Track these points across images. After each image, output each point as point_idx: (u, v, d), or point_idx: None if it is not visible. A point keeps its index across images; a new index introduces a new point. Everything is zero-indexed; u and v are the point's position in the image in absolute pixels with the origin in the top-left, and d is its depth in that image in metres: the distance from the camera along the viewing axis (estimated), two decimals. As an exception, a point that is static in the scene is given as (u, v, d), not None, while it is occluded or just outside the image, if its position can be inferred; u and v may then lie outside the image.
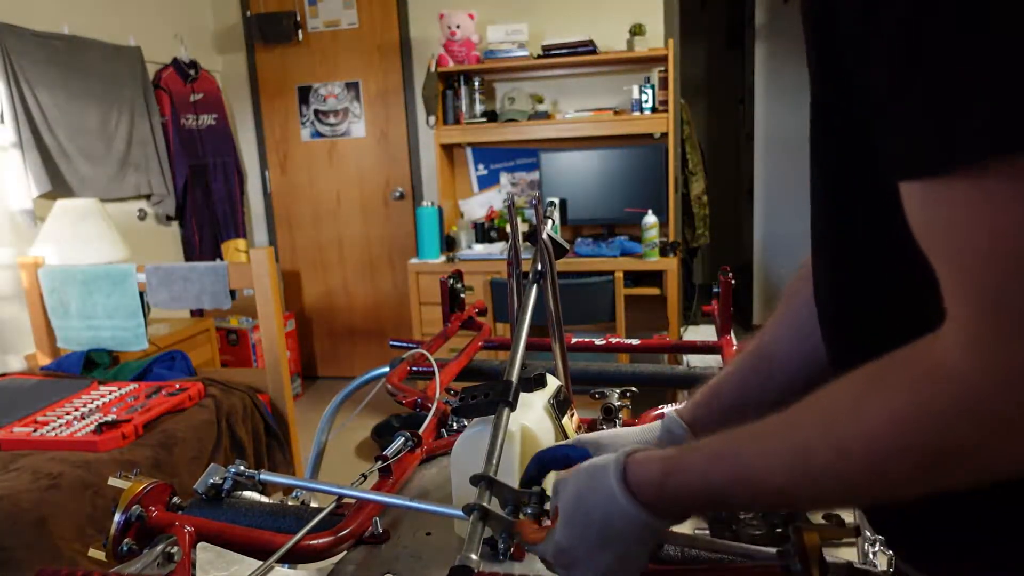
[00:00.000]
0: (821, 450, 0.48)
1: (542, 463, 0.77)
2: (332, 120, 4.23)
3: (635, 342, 1.69)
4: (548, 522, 0.68)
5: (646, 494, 0.58)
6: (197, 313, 3.53)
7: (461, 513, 0.69)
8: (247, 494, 0.98)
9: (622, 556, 0.61)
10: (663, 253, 3.46)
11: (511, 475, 0.81)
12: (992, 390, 0.41)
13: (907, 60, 0.41)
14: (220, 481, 0.95)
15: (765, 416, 0.53)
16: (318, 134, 4.26)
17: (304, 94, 4.23)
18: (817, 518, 2.78)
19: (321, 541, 0.81)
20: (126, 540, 0.81)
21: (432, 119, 3.80)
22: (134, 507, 0.82)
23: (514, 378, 0.82)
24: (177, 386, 2.39)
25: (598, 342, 1.67)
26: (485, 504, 0.68)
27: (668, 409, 0.80)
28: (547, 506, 0.69)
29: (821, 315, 0.64)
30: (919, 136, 0.41)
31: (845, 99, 0.50)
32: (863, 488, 0.49)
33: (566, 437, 0.89)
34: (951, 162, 0.40)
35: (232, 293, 2.56)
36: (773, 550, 0.75)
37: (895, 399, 0.44)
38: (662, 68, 3.54)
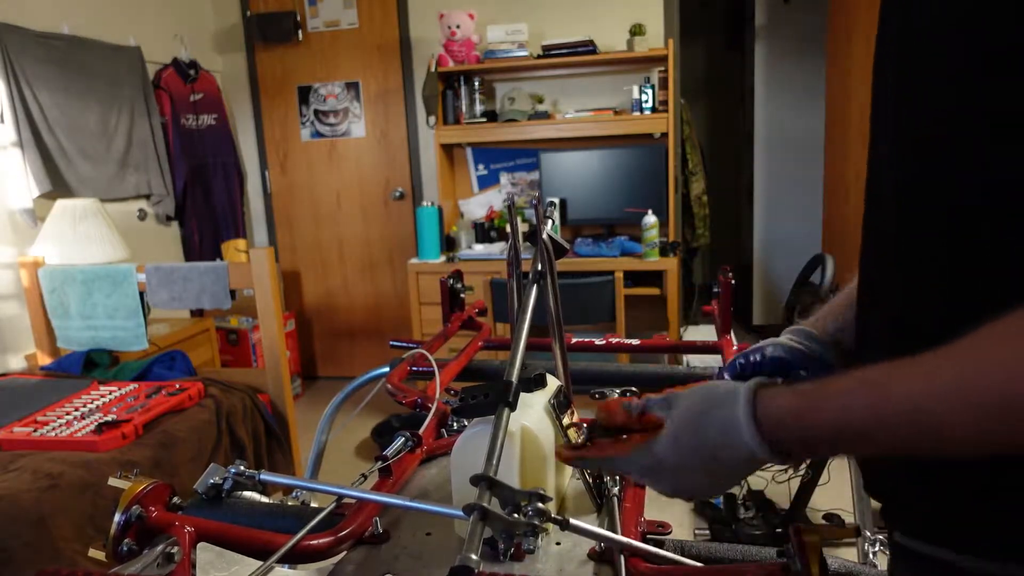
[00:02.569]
0: (1006, 381, 0.44)
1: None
2: (332, 120, 4.23)
3: (635, 342, 1.69)
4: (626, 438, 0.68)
5: (771, 430, 0.57)
6: (197, 313, 3.53)
7: (461, 513, 0.69)
8: (247, 494, 0.98)
9: (716, 481, 0.62)
10: (663, 253, 3.46)
11: (511, 475, 0.81)
12: None
13: None
14: (220, 481, 0.94)
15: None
16: (318, 134, 4.26)
17: (304, 94, 4.23)
18: (817, 518, 2.78)
19: (321, 541, 0.81)
20: (126, 540, 0.81)
21: (432, 119, 3.80)
22: (134, 507, 0.82)
23: (514, 378, 0.82)
24: (177, 386, 2.39)
25: (598, 342, 1.67)
26: (485, 504, 0.68)
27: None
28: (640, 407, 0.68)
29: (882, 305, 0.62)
30: None
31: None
32: None
33: (566, 437, 0.89)
34: None
35: (232, 293, 2.56)
36: (773, 550, 0.75)
37: None
38: (662, 68, 3.54)
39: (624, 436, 0.68)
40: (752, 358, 0.83)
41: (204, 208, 3.96)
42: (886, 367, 0.51)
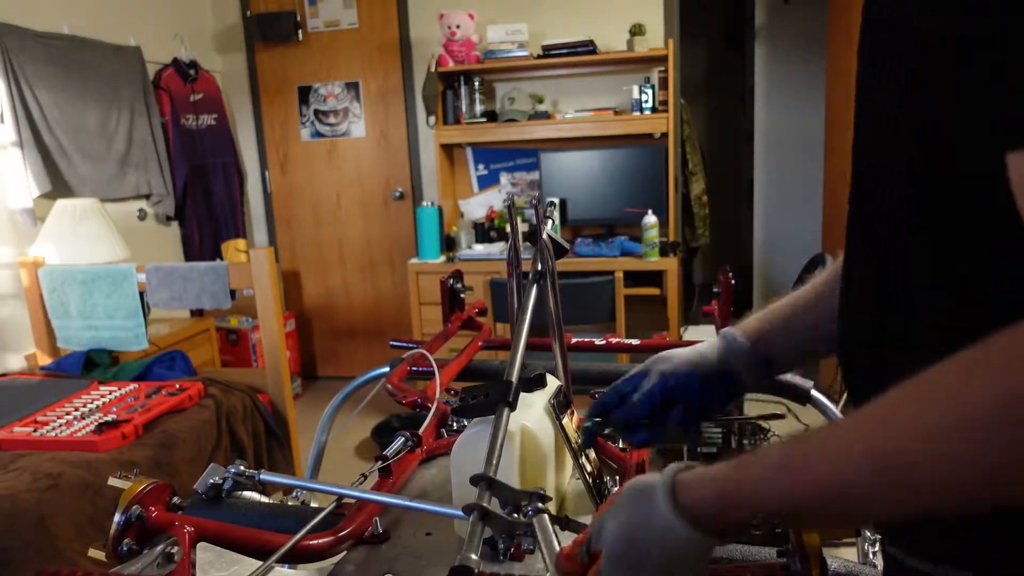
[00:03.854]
0: (910, 441, 0.44)
1: (603, 407, 0.84)
2: (332, 120, 4.23)
3: (635, 342, 1.69)
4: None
5: (702, 517, 0.55)
6: (197, 313, 3.53)
7: (461, 513, 0.69)
8: (247, 494, 0.98)
9: None
10: (663, 253, 3.45)
11: (511, 475, 0.81)
12: None
13: None
14: (220, 481, 0.95)
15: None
16: (318, 134, 4.26)
17: (304, 94, 4.23)
18: (817, 518, 2.74)
19: (321, 541, 0.81)
20: (126, 540, 0.81)
21: (432, 119, 3.80)
22: (134, 507, 0.82)
23: (514, 378, 0.82)
24: (177, 386, 2.39)
25: (598, 342, 1.67)
26: (485, 504, 0.68)
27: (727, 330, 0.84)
28: (585, 540, 0.65)
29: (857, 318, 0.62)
30: None
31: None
32: (960, 483, 0.44)
33: (566, 437, 0.89)
34: None
35: (232, 293, 2.56)
36: (773, 550, 0.75)
37: (998, 381, 0.41)
38: (662, 68, 3.54)
39: None
40: (633, 389, 0.86)
41: (204, 208, 3.96)
42: (801, 442, 0.51)
